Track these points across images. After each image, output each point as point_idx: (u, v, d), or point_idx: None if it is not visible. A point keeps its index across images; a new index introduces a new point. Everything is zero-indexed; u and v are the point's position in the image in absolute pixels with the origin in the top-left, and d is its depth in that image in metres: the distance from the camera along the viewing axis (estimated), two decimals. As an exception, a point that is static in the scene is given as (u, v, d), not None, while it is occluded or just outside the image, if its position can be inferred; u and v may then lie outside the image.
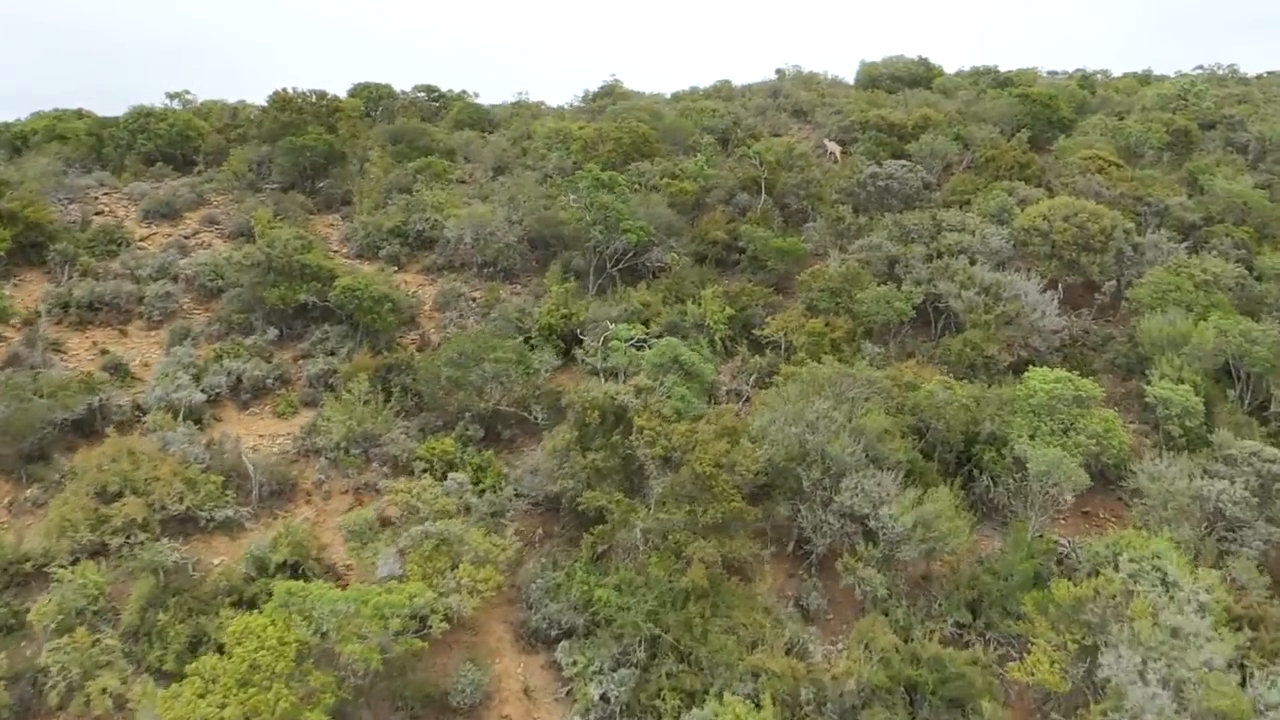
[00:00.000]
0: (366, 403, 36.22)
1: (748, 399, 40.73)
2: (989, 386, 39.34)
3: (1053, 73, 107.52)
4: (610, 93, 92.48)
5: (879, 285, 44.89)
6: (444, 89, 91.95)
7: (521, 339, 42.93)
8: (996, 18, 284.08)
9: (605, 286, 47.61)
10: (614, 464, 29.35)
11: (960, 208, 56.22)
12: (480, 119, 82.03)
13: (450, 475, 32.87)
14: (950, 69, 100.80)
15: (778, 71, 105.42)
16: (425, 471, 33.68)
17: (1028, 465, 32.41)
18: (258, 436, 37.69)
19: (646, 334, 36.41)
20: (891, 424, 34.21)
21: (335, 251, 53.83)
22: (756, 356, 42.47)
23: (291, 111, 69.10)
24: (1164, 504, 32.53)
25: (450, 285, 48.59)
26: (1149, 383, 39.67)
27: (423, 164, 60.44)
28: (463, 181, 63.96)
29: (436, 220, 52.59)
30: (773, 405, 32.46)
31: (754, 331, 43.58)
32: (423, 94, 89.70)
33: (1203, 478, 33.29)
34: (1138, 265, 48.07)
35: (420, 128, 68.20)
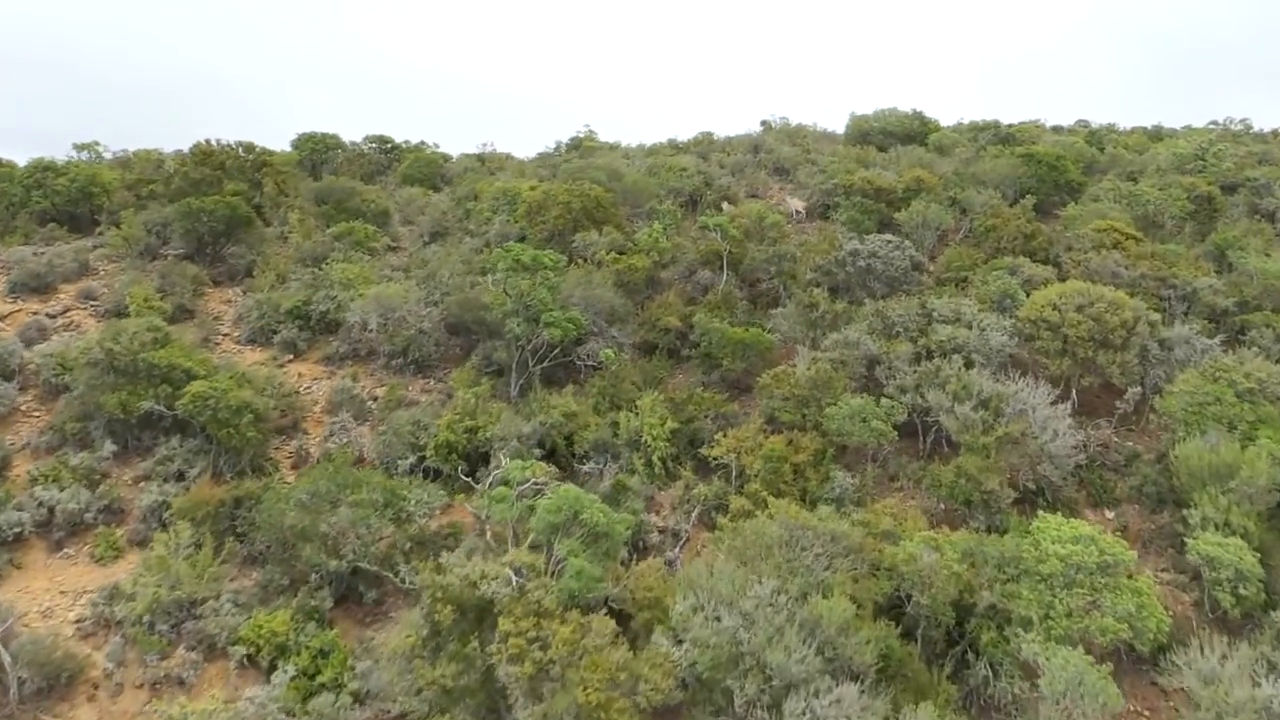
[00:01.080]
0: (189, 556, 28.29)
1: (686, 540, 32.82)
2: (988, 532, 31.49)
3: (1057, 128, 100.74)
4: (578, 145, 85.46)
5: (855, 394, 37.16)
6: (399, 139, 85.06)
7: (415, 458, 35.15)
8: (995, 67, 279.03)
9: (529, 387, 39.87)
10: (470, 682, 21.36)
11: (956, 286, 48.71)
12: (432, 174, 74.82)
13: (278, 667, 24.89)
14: (948, 120, 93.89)
15: (763, 123, 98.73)
16: (247, 659, 25.68)
17: (1038, 671, 24.38)
18: (59, 594, 29.71)
19: (543, 480, 28.09)
20: (862, 594, 26.29)
21: (225, 335, 46.21)
22: (702, 485, 34.65)
23: (210, 167, 62.01)
24: (1219, 717, 24.49)
25: (343, 384, 40.81)
26: (1187, 524, 31.82)
27: (343, 229, 52.98)
28: (393, 249, 56.52)
29: (342, 300, 44.99)
30: (698, 584, 24.41)
31: (702, 450, 35.80)
32: (374, 145, 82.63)
33: (1271, 679, 25.23)
34: (1165, 365, 40.21)
35: (349, 186, 60.81)
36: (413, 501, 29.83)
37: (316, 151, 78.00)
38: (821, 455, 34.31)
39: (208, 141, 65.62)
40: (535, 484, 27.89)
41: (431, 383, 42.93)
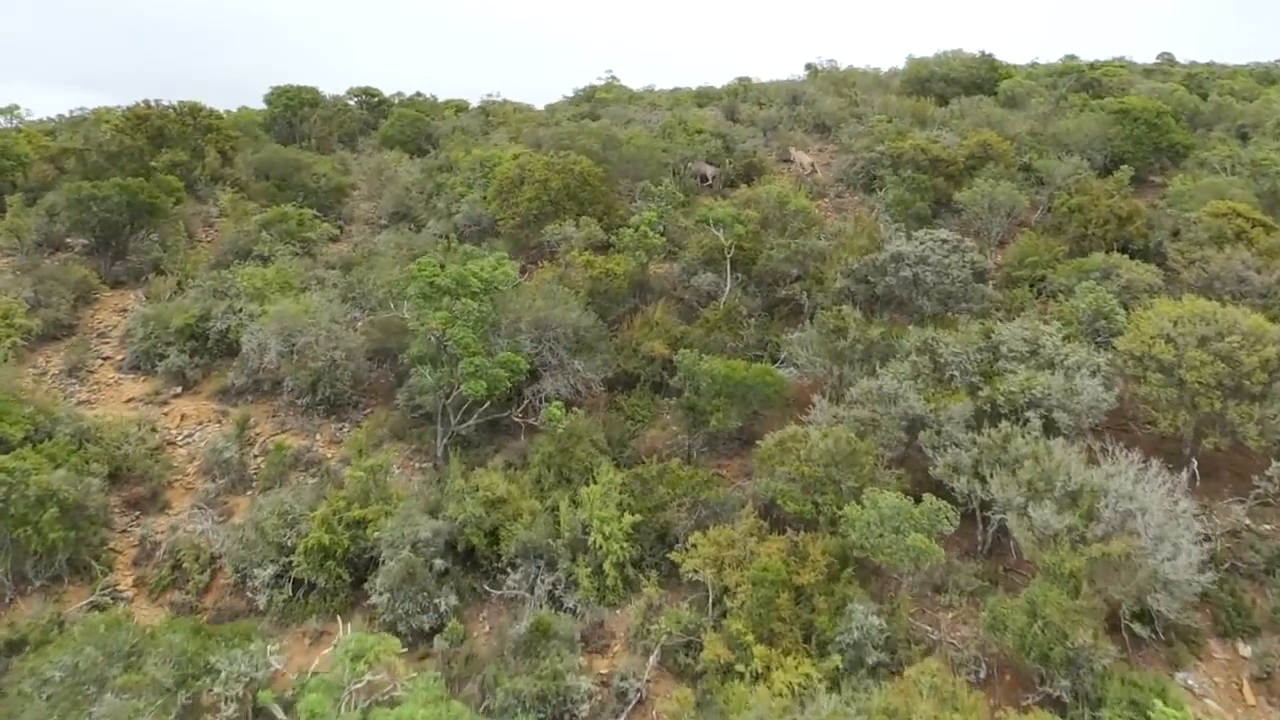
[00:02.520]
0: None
1: (641, 700, 23.23)
2: (1074, 701, 21.57)
3: (1147, 69, 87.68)
4: (590, 96, 74.68)
5: (890, 469, 27.04)
6: (387, 92, 75.11)
7: (280, 566, 25.91)
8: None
9: (452, 451, 30.24)
10: None
11: (1031, 290, 37.94)
12: (416, 134, 64.85)
13: None
14: (1016, 57, 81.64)
15: (807, 68, 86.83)
16: None
17: None
18: None
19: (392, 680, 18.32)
20: None
21: (105, 360, 37.24)
22: (671, 609, 24.96)
23: (145, 133, 52.83)
24: None
25: (218, 440, 31.59)
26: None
27: (272, 216, 43.45)
28: (335, 239, 46.95)
29: (247, 316, 35.65)
30: None
31: (672, 554, 26.00)
32: (358, 99, 72.74)
33: None
34: (1324, 422, 29.41)
35: (293, 158, 50.96)
36: (224, 676, 20.40)
37: (291, 108, 68.39)
38: (837, 573, 24.33)
39: (145, 103, 56.39)
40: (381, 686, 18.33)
41: (346, 428, 33.58)
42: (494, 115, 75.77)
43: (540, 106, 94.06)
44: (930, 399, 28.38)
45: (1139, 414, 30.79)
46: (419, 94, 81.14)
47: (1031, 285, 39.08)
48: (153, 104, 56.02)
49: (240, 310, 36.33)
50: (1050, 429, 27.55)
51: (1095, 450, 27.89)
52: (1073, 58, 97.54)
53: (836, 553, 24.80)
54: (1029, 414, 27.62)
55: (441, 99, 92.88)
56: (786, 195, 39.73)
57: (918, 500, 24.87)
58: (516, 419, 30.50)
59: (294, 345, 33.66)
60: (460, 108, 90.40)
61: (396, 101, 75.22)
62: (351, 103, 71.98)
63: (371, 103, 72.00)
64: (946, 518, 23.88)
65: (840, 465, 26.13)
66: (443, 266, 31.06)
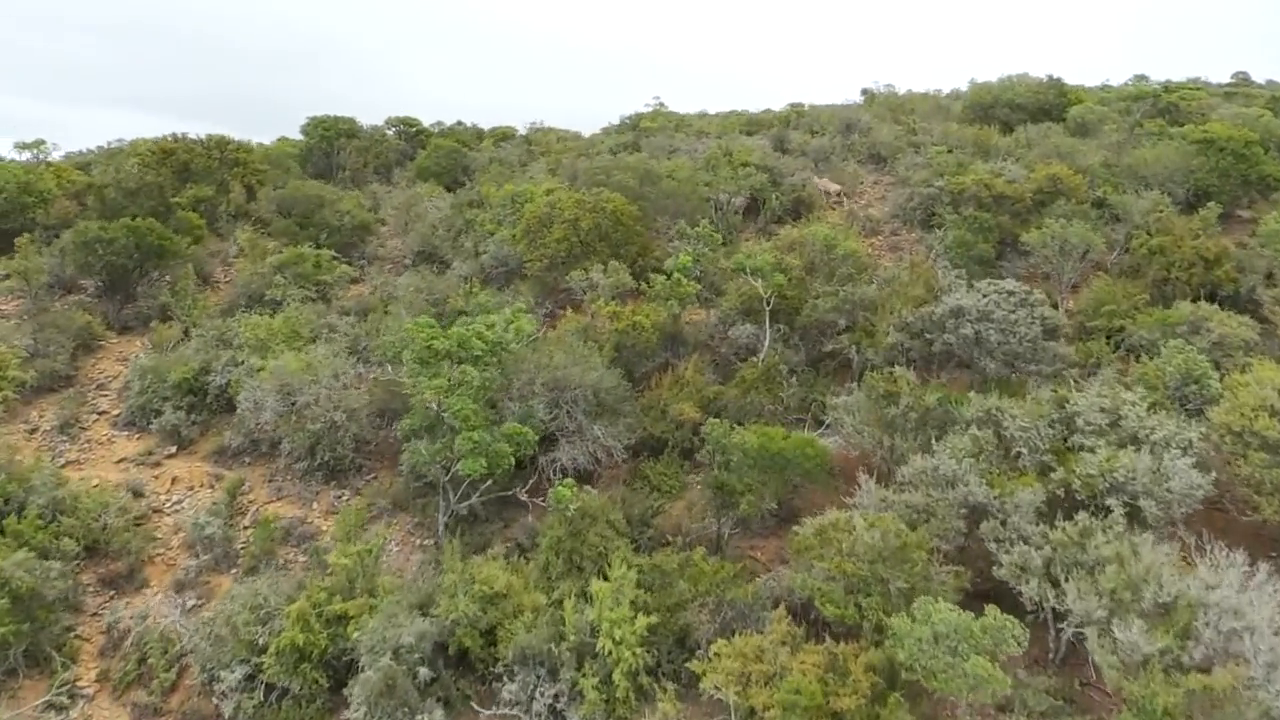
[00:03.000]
0: None
1: None
2: None
3: (1228, 90, 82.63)
4: (635, 125, 71.88)
5: (947, 566, 23.44)
6: (446, 117, 73.11)
7: (250, 669, 23.05)
8: (1137, 15, 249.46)
9: (452, 533, 27.21)
10: None
11: (1108, 341, 34.06)
12: (452, 166, 62.51)
13: None
14: (1086, 78, 77.40)
15: (864, 93, 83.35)
16: None
17: None
18: None
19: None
20: None
21: (102, 414, 35.00)
22: (687, 732, 21.62)
23: (171, 167, 51.06)
24: None
25: (204, 513, 28.94)
26: None
27: (288, 258, 41.08)
28: (355, 281, 44.52)
29: (249, 369, 33.14)
30: None
31: (692, 663, 22.60)
32: (396, 128, 70.77)
33: None
34: None
35: (317, 195, 48.63)
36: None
37: (327, 139, 66.58)
38: (882, 695, 20.76)
39: (174, 136, 54.77)
40: None
41: (346, 496, 30.82)
42: (536, 144, 73.37)
43: (595, 131, 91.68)
44: (994, 482, 24.68)
45: (1238, 495, 26.83)
46: (460, 123, 79.18)
47: (1108, 337, 35.17)
48: (180, 137, 54.42)
49: (242, 363, 33.87)
50: (1135, 519, 23.77)
51: (1189, 545, 24.06)
52: (1142, 78, 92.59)
53: (882, 669, 21.24)
54: (1110, 502, 23.84)
55: (490, 125, 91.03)
56: (834, 238, 36.25)
57: (977, 601, 21.28)
58: (522, 498, 27.36)
59: (293, 404, 31.05)
60: (506, 135, 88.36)
61: (436, 131, 73.10)
62: (390, 133, 69.99)
63: (410, 133, 69.96)
64: (1014, 637, 20.19)
65: (888, 562, 22.60)
66: (458, 316, 28.19)
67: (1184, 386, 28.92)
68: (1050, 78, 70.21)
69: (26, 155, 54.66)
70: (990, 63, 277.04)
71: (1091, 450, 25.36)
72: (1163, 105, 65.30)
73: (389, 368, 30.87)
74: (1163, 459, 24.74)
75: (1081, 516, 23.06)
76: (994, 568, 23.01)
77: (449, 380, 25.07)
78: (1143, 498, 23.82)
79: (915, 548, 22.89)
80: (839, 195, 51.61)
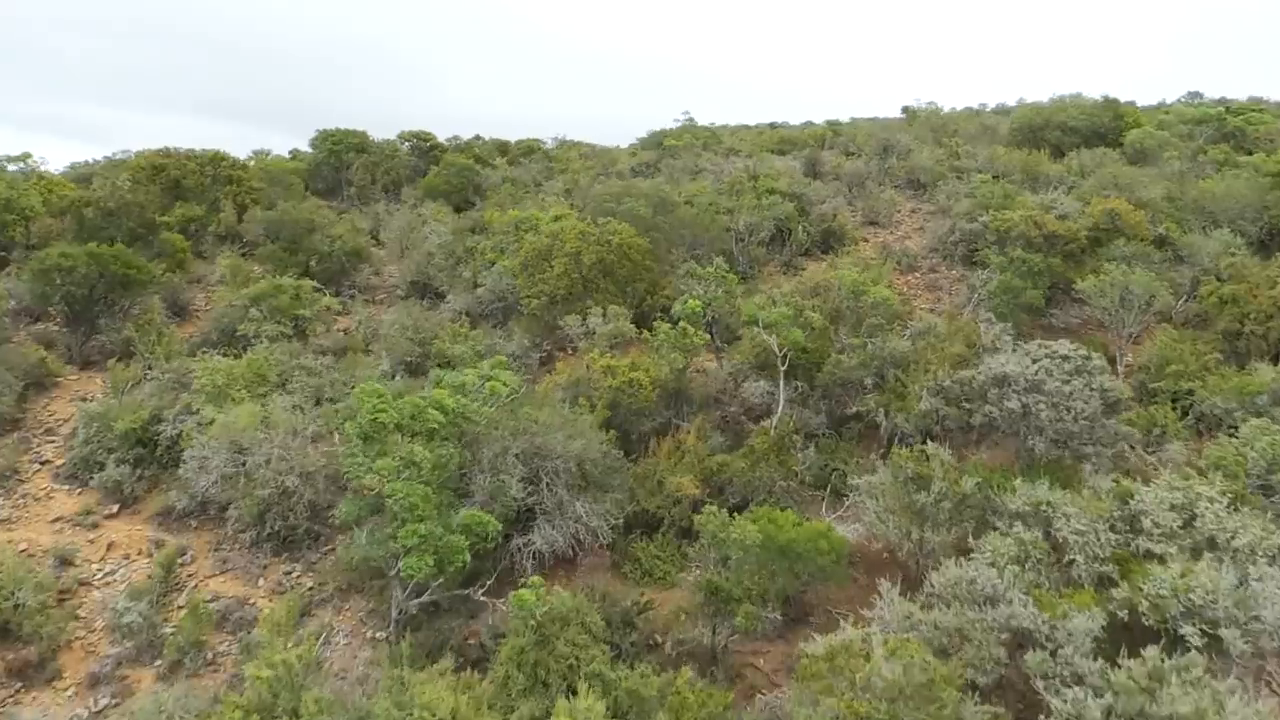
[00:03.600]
0: None
1: None
2: None
3: (1271, 105, 77.41)
4: (659, 143, 67.99)
5: (980, 706, 19.30)
6: (463, 132, 69.78)
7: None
8: (1186, 28, 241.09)
9: (423, 617, 23.48)
10: None
11: (1174, 406, 29.75)
12: (463, 185, 59.07)
13: None
14: (1139, 95, 72.67)
15: (905, 110, 79.10)
16: None
17: None
18: None
19: None
20: None
21: (45, 464, 31.68)
22: None
23: (161, 184, 48.00)
24: None
25: (121, 600, 25.39)
26: None
27: (262, 291, 37.63)
28: (340, 315, 41.04)
29: (202, 420, 29.67)
30: None
31: (670, 822, 18.68)
32: (410, 142, 67.48)
33: None
34: None
35: (307, 218, 45.10)
36: None
37: (335, 153, 63.45)
38: None
39: (165, 150, 51.79)
40: None
41: (297, 571, 27.19)
42: (557, 161, 69.82)
43: (633, 141, 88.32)
44: (1042, 601, 20.48)
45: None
46: (478, 137, 75.91)
47: (1174, 401, 30.80)
48: (173, 151, 51.42)
49: (197, 411, 30.41)
50: (1215, 649, 19.53)
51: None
52: (1196, 95, 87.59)
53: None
54: (1185, 628, 19.61)
55: (519, 137, 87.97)
56: (864, 283, 32.09)
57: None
58: (479, 598, 23.48)
59: (243, 464, 27.52)
60: (530, 149, 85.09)
61: (452, 146, 69.78)
62: (404, 147, 66.71)
63: (424, 148, 66.64)
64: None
65: (911, 701, 18.53)
66: (436, 370, 24.50)
67: (1270, 475, 24.57)
68: (1105, 98, 65.66)
69: (16, 167, 51.66)
70: (1035, 76, 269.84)
71: (1161, 560, 21.12)
72: (1227, 129, 60.55)
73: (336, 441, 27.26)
74: (1248, 572, 20.45)
75: (1151, 653, 18.82)
76: (1041, 716, 18.87)
77: (397, 460, 21.30)
78: (1225, 625, 19.56)
79: (944, 684, 18.79)
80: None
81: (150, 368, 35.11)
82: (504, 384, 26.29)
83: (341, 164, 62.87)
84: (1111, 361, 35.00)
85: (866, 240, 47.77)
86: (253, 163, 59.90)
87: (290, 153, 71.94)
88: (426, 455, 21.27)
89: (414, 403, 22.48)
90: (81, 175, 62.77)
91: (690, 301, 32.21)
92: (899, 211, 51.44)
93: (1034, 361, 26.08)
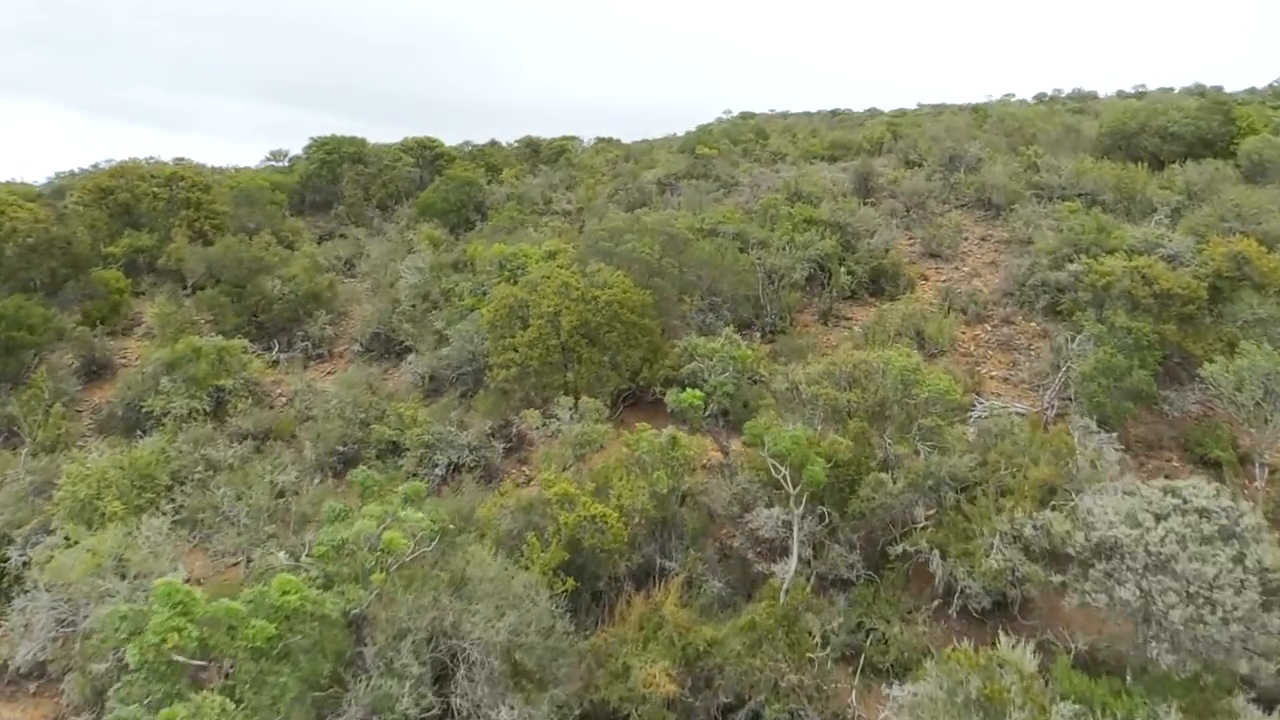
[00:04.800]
0: None
1: None
2: None
3: None
4: (691, 148, 60.02)
5: None
6: (449, 144, 62.59)
7: None
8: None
9: None
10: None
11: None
12: (464, 203, 51.99)
13: None
14: (1227, 80, 62.89)
15: (975, 110, 70.36)
16: None
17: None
18: None
19: None
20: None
21: None
22: None
23: (108, 208, 41.70)
24: None
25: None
26: None
27: (180, 353, 30.83)
28: (280, 380, 34.14)
29: (46, 554, 22.98)
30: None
31: None
32: (411, 151, 60.53)
33: None
34: None
35: (255, 256, 37.85)
36: None
37: (329, 165, 56.81)
38: None
39: (119, 167, 45.48)
40: None
41: (139, 778, 20.44)
42: (580, 171, 62.43)
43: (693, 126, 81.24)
44: None
45: None
46: (494, 142, 69.01)
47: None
48: (127, 167, 45.05)
49: (55, 530, 23.79)
50: None
51: None
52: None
53: None
54: None
55: (558, 133, 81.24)
56: (915, 371, 24.10)
57: None
58: None
59: (74, 627, 20.78)
60: (563, 149, 78.16)
61: (464, 152, 62.69)
62: (407, 157, 59.77)
63: (428, 157, 59.61)
64: None
65: None
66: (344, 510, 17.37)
67: None
68: (1209, 95, 56.53)
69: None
70: (1115, 58, 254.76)
71: None
72: (1363, 134, 51.00)
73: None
74: None
75: None
76: None
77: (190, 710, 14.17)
78: None
79: None
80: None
81: (35, 455, 28.62)
82: (411, 533, 19.08)
83: (335, 176, 56.23)
84: (1244, 462, 26.81)
85: (926, 278, 39.64)
86: (231, 175, 53.49)
87: (290, 160, 65.67)
88: (229, 708, 14.05)
89: (230, 610, 15.28)
90: (62, 187, 57.21)
91: (687, 394, 24.64)
92: (966, 239, 43.14)
93: (1157, 519, 18.05)
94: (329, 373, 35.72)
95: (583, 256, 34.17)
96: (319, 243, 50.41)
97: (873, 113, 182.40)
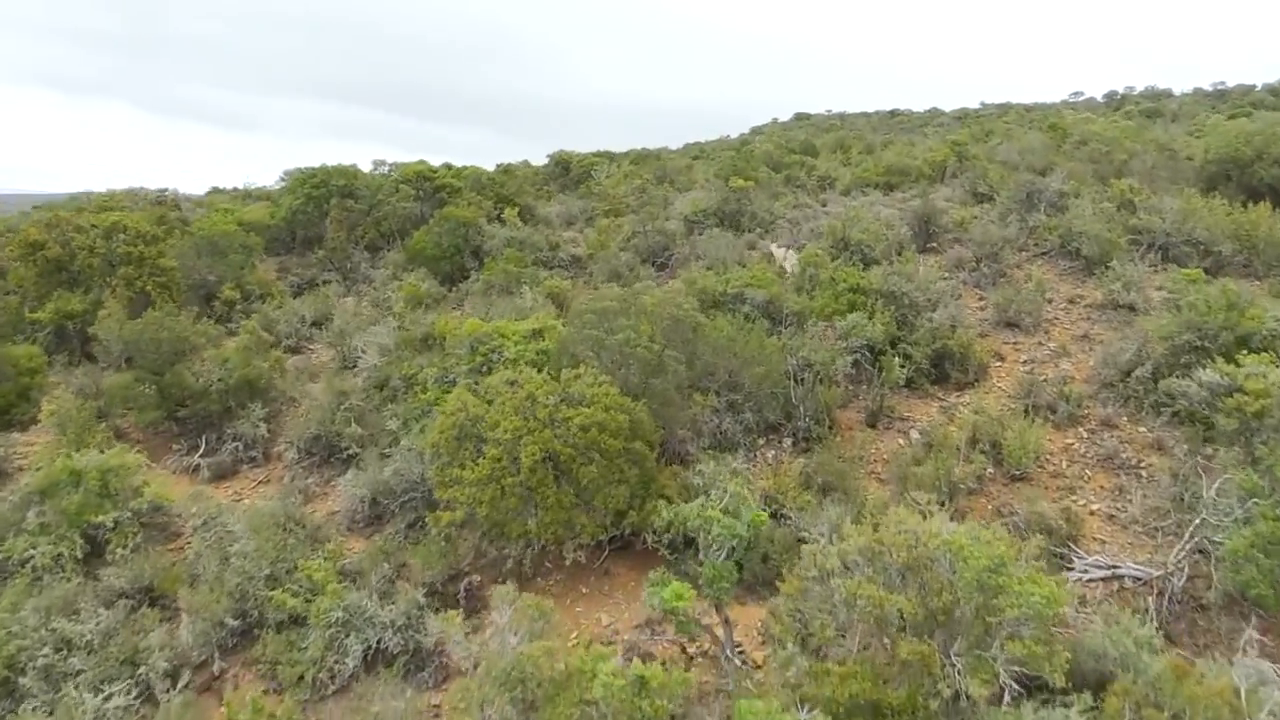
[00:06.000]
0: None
1: None
2: None
3: None
4: (725, 179, 52.55)
5: None
6: (481, 160, 55.77)
7: None
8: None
9: None
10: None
11: None
12: (458, 248, 45.28)
13: None
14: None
15: (1052, 126, 62.24)
16: None
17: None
18: None
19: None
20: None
21: None
22: None
23: (36, 266, 35.81)
24: None
25: None
26: None
27: (54, 476, 24.42)
28: (179, 531, 27.47)
29: None
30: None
31: None
32: (409, 183, 53.87)
33: None
34: None
35: (181, 335, 31.22)
36: None
37: (316, 199, 50.48)
38: None
39: (55, 217, 39.52)
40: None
41: None
42: (598, 201, 55.42)
43: (749, 126, 74.99)
44: None
45: None
46: (506, 167, 62.06)
47: None
48: (58, 221, 38.94)
49: None
50: None
51: None
52: None
53: None
54: None
55: (593, 149, 74.60)
56: (997, 568, 16.69)
57: None
58: None
59: None
60: (590, 167, 71.58)
61: (468, 180, 55.95)
62: (398, 186, 53.13)
63: (428, 188, 52.89)
64: None
65: None
66: None
67: None
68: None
69: None
70: (1182, 52, 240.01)
71: None
72: None
73: None
74: None
75: None
76: None
77: None
78: None
79: None
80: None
81: None
82: None
83: (324, 212, 49.90)
84: None
85: (1001, 358, 32.00)
86: (218, 211, 47.31)
87: (284, 176, 59.54)
88: None
89: None
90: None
91: (671, 589, 17.51)
92: (1050, 300, 35.41)
93: None
94: (261, 482, 29.15)
95: (566, 344, 27.19)
96: (296, 294, 44.09)
97: (933, 113, 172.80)
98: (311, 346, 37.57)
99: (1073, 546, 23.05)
